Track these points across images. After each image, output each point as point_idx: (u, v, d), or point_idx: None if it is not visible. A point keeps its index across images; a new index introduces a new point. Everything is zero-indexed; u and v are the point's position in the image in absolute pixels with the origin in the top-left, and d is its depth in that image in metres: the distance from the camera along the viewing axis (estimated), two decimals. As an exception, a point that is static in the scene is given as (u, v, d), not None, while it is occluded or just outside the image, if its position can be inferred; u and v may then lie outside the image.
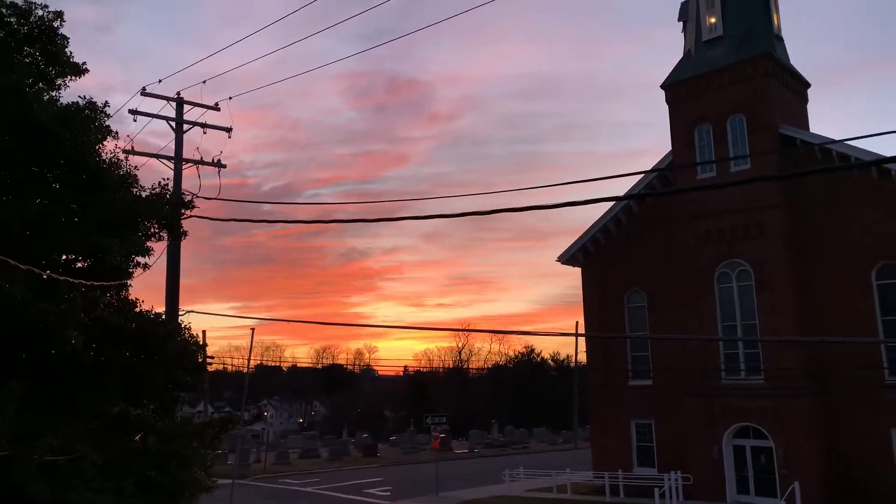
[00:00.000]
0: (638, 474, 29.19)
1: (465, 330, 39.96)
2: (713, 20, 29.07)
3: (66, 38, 11.88)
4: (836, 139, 15.11)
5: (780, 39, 29.51)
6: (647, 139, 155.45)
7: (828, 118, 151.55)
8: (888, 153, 24.28)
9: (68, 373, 11.01)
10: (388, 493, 31.70)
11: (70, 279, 10.22)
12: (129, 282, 12.67)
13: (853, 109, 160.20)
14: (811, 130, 28.80)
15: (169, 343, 12.33)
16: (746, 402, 25.72)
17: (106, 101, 12.19)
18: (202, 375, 13.60)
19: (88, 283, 10.82)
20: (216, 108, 17.87)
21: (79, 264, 11.90)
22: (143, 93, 16.86)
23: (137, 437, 12.16)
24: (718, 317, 27.25)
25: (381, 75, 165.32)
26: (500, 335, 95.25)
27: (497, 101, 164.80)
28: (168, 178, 14.07)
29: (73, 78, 12.28)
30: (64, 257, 11.72)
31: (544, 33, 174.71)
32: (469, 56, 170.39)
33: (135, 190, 12.58)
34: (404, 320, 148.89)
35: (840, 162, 25.31)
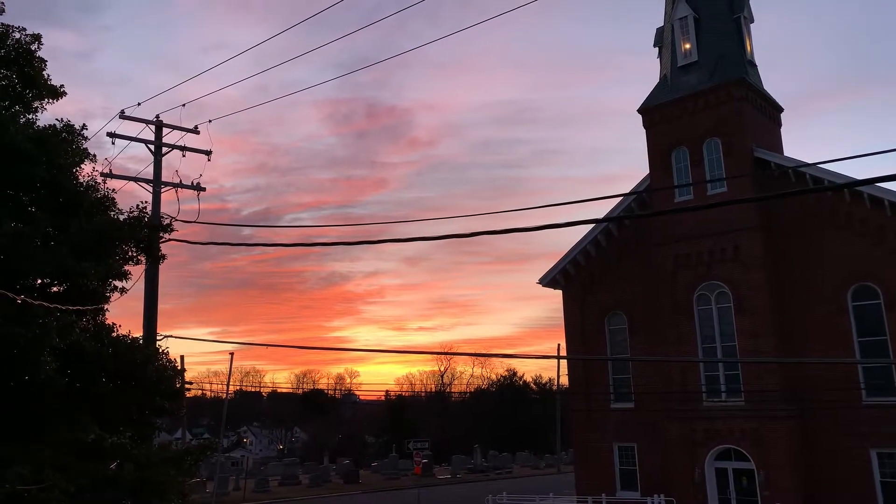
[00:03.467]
0: (621, 498, 29.05)
1: (447, 353, 39.80)
2: (688, 46, 29.63)
3: (43, 60, 11.83)
4: (810, 162, 15.43)
5: (754, 65, 30.13)
6: (621, 165, 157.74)
7: (801, 143, 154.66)
8: (860, 177, 24.82)
9: (41, 399, 10.77)
10: (370, 521, 31.22)
11: (45, 303, 10.05)
12: (105, 306, 12.49)
13: (825, 135, 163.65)
14: (785, 154, 29.32)
15: (146, 368, 12.14)
16: (727, 425, 25.77)
17: (83, 124, 12.13)
18: (180, 401, 13.40)
19: (64, 308, 10.64)
20: (195, 131, 17.82)
21: (54, 288, 11.71)
22: (122, 116, 16.79)
23: (113, 465, 11.89)
24: (698, 339, 27.39)
25: (362, 102, 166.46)
26: (482, 359, 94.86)
27: (475, 128, 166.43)
28: (146, 202, 13.97)
29: (51, 101, 12.21)
30: (39, 281, 11.53)
31: (521, 62, 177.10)
32: (447, 84, 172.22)
33: (112, 213, 12.46)
34: (386, 344, 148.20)
35: (814, 185, 25.76)
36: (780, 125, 30.66)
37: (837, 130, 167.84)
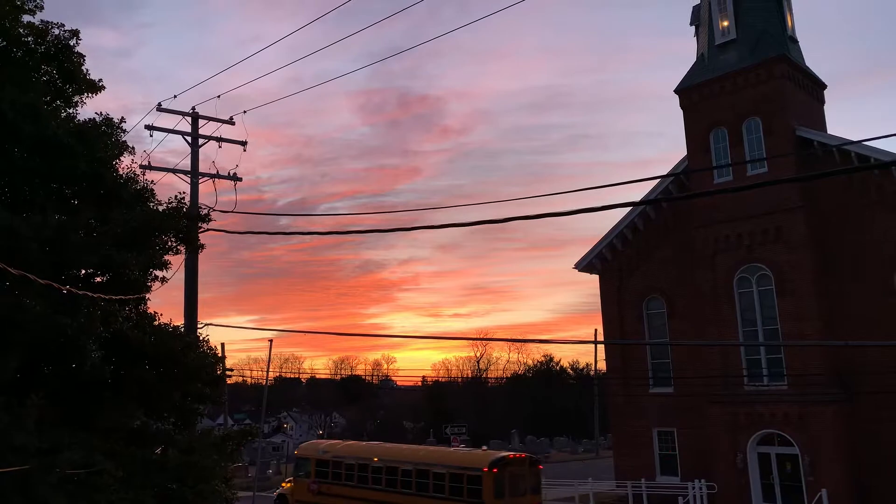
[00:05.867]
0: (661, 483, 28.83)
1: (483, 339, 39.84)
2: (726, 23, 28.89)
3: (82, 55, 12.04)
4: (854, 140, 14.88)
5: (795, 41, 29.26)
6: (657, 149, 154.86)
7: (846, 121, 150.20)
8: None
9: (88, 386, 11.06)
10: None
11: (89, 293, 10.27)
12: (147, 295, 12.74)
13: (871, 112, 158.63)
14: (828, 132, 28.48)
15: (188, 356, 12.36)
16: (770, 409, 25.33)
17: (122, 118, 12.33)
18: (221, 388, 13.63)
19: (107, 297, 10.88)
20: (231, 122, 18.03)
21: (97, 278, 11.97)
22: (160, 108, 17.05)
23: (158, 450, 12.18)
24: (739, 322, 26.91)
25: (394, 92, 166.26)
26: (518, 344, 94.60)
27: (507, 115, 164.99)
28: (185, 193, 14.17)
29: (90, 95, 12.44)
30: (82, 272, 11.81)
31: (552, 47, 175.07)
32: (478, 71, 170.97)
33: (152, 204, 12.67)
34: (421, 330, 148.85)
35: (859, 163, 24.99)
36: (823, 103, 29.78)
37: (884, 108, 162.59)
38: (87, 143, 11.27)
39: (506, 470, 21.54)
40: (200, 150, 17.48)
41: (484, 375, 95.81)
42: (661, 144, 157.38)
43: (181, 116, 17.42)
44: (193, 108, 17.56)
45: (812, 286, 25.31)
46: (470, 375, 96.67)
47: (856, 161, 25.20)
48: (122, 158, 12.37)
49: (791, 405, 24.85)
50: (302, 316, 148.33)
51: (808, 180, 25.91)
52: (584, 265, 33.01)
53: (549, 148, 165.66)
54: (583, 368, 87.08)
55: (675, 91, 29.51)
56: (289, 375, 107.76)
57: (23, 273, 8.17)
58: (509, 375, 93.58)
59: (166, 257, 12.90)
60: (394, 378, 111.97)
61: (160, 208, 12.72)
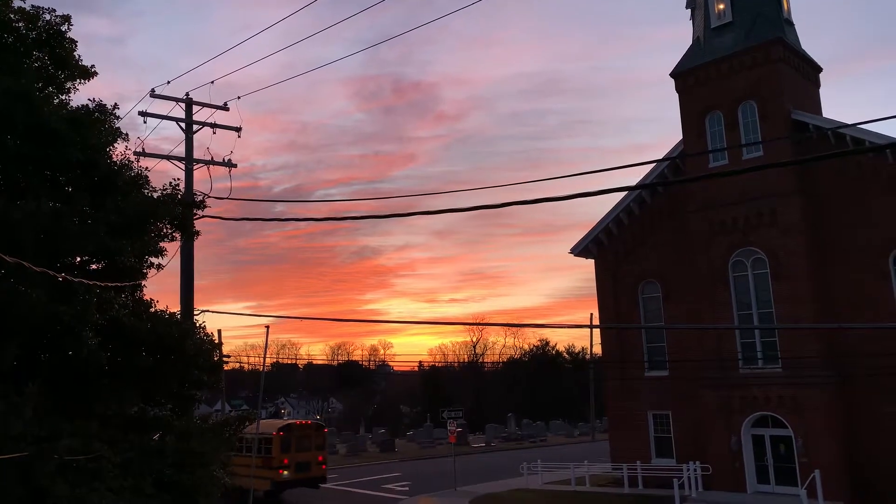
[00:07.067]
0: (656, 465, 29.09)
1: (479, 324, 40.04)
2: (722, 6, 28.78)
3: (74, 41, 11.93)
4: (850, 123, 14.82)
5: (791, 24, 29.17)
6: (653, 134, 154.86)
7: (841, 104, 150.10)
8: (904, 136, 24.01)
9: (85, 374, 11.08)
10: (407, 488, 31.76)
11: (84, 280, 10.26)
12: (143, 282, 12.73)
13: (867, 95, 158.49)
14: (824, 115, 28.47)
15: (184, 342, 12.37)
16: (765, 392, 25.51)
17: (115, 104, 12.24)
18: (218, 374, 13.64)
19: (103, 285, 10.87)
20: (225, 107, 17.92)
21: (93, 266, 11.95)
22: (153, 94, 16.93)
23: (155, 437, 12.23)
24: (734, 305, 27.04)
25: (388, 78, 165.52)
26: (515, 329, 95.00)
27: (502, 101, 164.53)
28: (179, 179, 14.12)
29: (83, 81, 12.35)
30: (78, 259, 11.79)
31: (547, 33, 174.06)
32: (473, 57, 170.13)
33: (146, 191, 12.63)
34: (418, 316, 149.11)
35: (854, 146, 25.01)
36: (818, 86, 29.76)
37: (878, 91, 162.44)
38: (80, 129, 11.20)
39: (291, 433, 28.17)
40: (195, 136, 17.39)
41: (480, 360, 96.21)
42: (657, 129, 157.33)
43: (175, 103, 17.31)
44: (187, 95, 17.45)
45: (806, 269, 25.41)
46: (466, 360, 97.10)
47: (851, 144, 25.23)
48: (115, 145, 12.30)
49: (785, 388, 25.03)
50: (298, 302, 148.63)
51: (803, 164, 25.93)
52: (580, 250, 33.07)
53: (544, 134, 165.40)
54: (578, 352, 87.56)
55: (671, 75, 29.44)
56: (286, 361, 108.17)
57: (18, 261, 8.16)
58: (506, 360, 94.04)
59: (162, 244, 12.88)
60: (391, 363, 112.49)
61: (155, 195, 12.68)
